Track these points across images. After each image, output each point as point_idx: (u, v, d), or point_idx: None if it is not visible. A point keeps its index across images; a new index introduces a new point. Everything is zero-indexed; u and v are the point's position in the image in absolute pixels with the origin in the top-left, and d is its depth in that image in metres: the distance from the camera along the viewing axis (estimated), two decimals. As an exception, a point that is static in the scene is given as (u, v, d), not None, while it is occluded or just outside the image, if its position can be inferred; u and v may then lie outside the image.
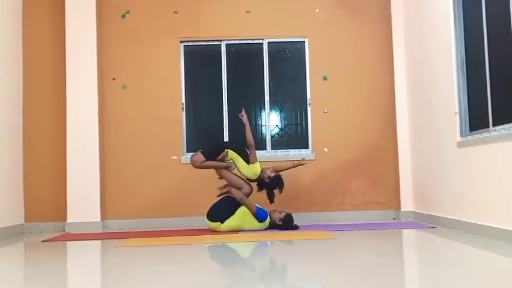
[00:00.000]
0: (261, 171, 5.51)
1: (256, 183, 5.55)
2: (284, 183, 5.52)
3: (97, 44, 6.29)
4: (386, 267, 3.42)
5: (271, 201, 5.53)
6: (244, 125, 5.63)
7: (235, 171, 5.61)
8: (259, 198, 5.59)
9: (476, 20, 4.69)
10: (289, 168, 5.74)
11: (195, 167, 5.58)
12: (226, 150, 5.52)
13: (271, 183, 5.48)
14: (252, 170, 5.46)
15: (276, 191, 5.52)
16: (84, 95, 6.21)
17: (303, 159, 5.77)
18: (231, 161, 5.58)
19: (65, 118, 6.17)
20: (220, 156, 5.49)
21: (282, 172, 5.64)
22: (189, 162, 5.70)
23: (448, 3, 5.07)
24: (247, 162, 5.48)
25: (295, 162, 5.74)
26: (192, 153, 5.71)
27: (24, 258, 4.63)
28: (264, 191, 5.55)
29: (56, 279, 3.38)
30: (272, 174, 5.51)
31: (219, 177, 5.64)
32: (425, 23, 5.71)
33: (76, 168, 6.11)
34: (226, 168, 5.55)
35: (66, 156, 6.13)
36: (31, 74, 6.35)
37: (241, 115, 5.68)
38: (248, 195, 5.49)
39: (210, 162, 5.51)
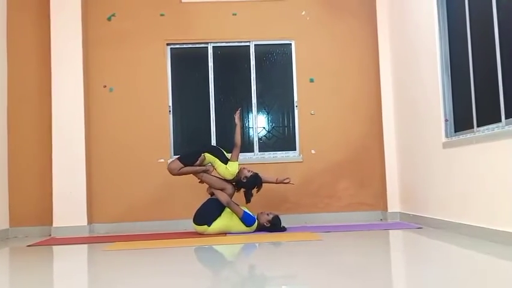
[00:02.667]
0: (239, 172, 5.51)
1: (234, 183, 5.55)
2: (262, 182, 5.52)
3: (83, 47, 6.26)
4: (372, 268, 3.44)
5: (247, 201, 5.53)
6: (236, 124, 5.66)
7: (214, 173, 5.61)
8: (252, 201, 5.60)
9: (460, 22, 4.75)
10: (271, 182, 5.70)
11: (173, 175, 5.58)
12: (203, 154, 5.52)
13: (248, 183, 5.49)
14: (229, 171, 5.44)
15: (254, 191, 5.53)
16: (70, 98, 6.16)
17: (287, 179, 5.69)
18: (209, 164, 5.59)
19: (51, 121, 6.12)
20: (198, 161, 5.49)
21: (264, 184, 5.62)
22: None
23: (432, 5, 5.13)
24: (225, 163, 5.48)
25: (279, 179, 5.68)
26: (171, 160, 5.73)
27: (10, 263, 4.57)
28: (242, 191, 5.56)
29: (42, 284, 3.34)
30: (249, 174, 5.51)
31: (199, 182, 5.63)
32: (410, 26, 5.76)
33: (62, 172, 6.06)
34: (205, 171, 5.55)
35: (52, 159, 6.07)
36: (16, 77, 6.29)
37: (236, 114, 5.70)
38: (232, 195, 5.50)
39: (187, 168, 5.50)
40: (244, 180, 5.49)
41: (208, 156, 5.54)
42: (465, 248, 4.06)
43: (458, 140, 4.71)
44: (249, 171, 5.54)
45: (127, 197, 6.32)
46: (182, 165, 5.50)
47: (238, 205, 5.44)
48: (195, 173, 5.58)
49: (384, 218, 6.39)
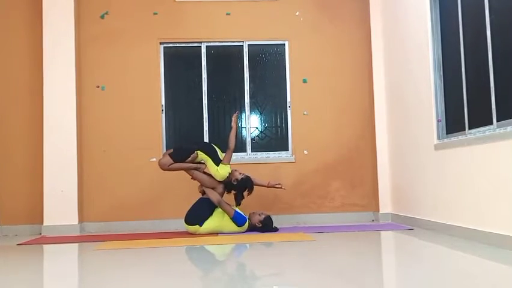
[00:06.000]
0: (230, 174, 5.48)
1: (224, 185, 5.52)
2: (253, 185, 5.50)
3: (75, 44, 6.22)
4: (364, 269, 3.45)
5: (237, 204, 5.51)
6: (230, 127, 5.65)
7: (206, 170, 5.58)
8: (244, 201, 5.60)
9: (452, 24, 4.77)
10: (263, 186, 5.69)
11: (163, 170, 5.53)
12: (196, 151, 5.49)
13: (239, 186, 5.47)
14: (219, 173, 5.42)
15: (245, 194, 5.51)
16: (62, 96, 6.12)
17: (279, 184, 5.69)
18: (202, 161, 5.56)
19: (42, 119, 6.09)
20: (190, 158, 5.46)
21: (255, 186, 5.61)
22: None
23: (425, 8, 5.15)
24: (217, 163, 5.46)
25: (270, 183, 5.68)
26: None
27: (-1, 262, 4.54)
28: (232, 193, 5.55)
29: (32, 283, 3.32)
30: (240, 177, 5.48)
31: (191, 179, 5.60)
32: (402, 28, 5.78)
33: (53, 170, 6.02)
34: (196, 169, 5.52)
35: (43, 158, 6.03)
36: (7, 75, 6.25)
37: (233, 116, 5.67)
38: (223, 194, 5.49)
39: (177, 165, 5.45)
40: (235, 183, 5.48)
41: (201, 154, 5.51)
42: (455, 249, 4.08)
43: (449, 142, 4.73)
44: (240, 173, 5.52)
45: (118, 196, 6.29)
46: (172, 162, 5.46)
47: (229, 205, 5.44)
48: (186, 170, 5.55)
49: (376, 219, 6.41)
